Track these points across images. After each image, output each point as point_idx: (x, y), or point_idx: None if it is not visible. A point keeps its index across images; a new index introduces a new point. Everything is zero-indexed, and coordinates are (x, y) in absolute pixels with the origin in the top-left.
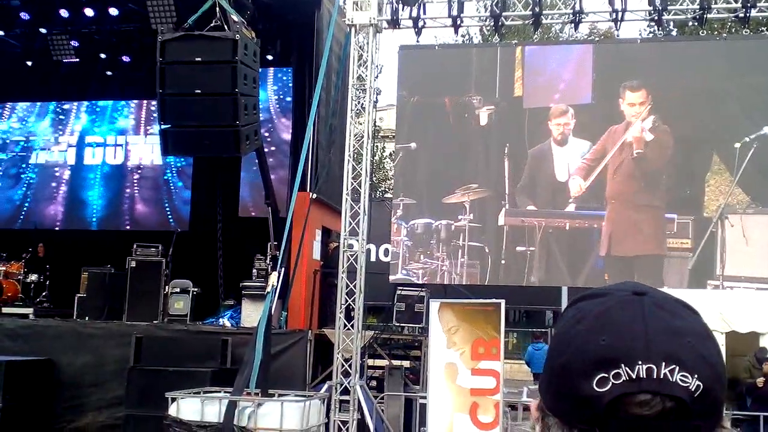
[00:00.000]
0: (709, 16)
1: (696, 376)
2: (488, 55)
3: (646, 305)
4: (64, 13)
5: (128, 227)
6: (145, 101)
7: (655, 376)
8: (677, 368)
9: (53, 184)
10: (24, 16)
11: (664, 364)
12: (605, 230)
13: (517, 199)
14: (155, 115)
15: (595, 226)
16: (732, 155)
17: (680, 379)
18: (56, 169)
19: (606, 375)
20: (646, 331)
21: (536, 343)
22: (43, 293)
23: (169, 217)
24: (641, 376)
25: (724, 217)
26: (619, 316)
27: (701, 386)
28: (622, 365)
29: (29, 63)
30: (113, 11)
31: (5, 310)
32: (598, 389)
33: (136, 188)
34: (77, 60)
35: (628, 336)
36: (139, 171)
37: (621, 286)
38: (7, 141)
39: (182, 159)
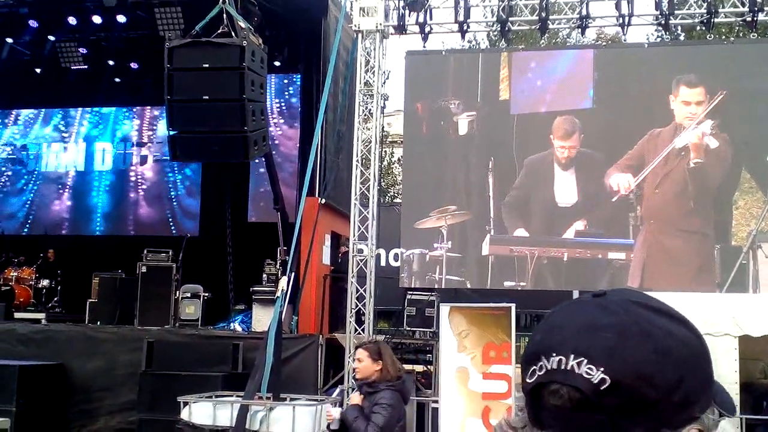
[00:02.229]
0: (716, 20)
1: (602, 369)
2: (470, 55)
3: (589, 305)
4: (72, 20)
5: (132, 233)
6: (151, 108)
7: (563, 368)
8: (585, 361)
9: (58, 191)
10: (32, 23)
11: (572, 356)
12: (637, 258)
13: (504, 219)
14: (162, 121)
15: (600, 257)
16: (764, 171)
17: (585, 372)
18: (61, 175)
19: (535, 368)
20: (568, 327)
21: None
22: (55, 298)
23: (171, 224)
24: (553, 367)
25: (757, 245)
26: (558, 317)
27: (608, 380)
28: (543, 358)
29: (38, 70)
30: (121, 18)
31: (18, 315)
32: (528, 381)
33: (140, 194)
34: (86, 67)
35: (554, 332)
36: (144, 177)
37: (595, 291)
38: (13, 147)
39: (180, 165)
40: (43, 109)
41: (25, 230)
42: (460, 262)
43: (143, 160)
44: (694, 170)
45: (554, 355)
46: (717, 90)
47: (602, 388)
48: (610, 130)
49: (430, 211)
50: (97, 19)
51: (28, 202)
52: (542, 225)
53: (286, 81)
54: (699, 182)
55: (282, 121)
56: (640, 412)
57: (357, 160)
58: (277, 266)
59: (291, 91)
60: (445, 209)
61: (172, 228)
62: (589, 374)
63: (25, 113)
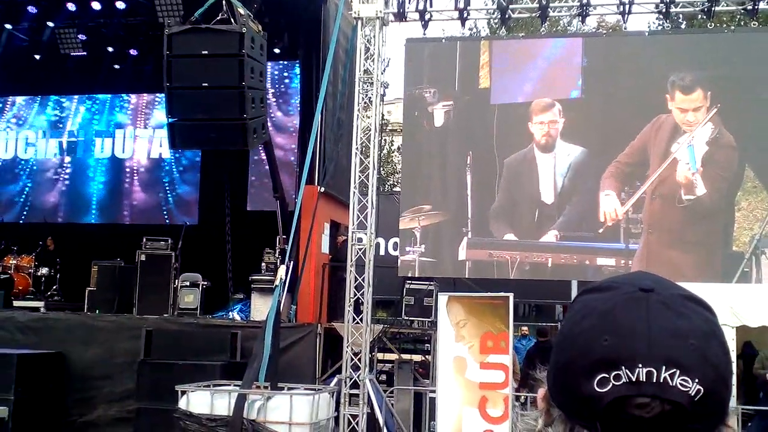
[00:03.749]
0: (717, 8)
1: (697, 380)
2: (448, 40)
3: (651, 304)
4: (71, 6)
5: (127, 221)
6: (150, 94)
7: (654, 380)
8: (678, 372)
9: (54, 178)
10: (31, 9)
11: (664, 368)
12: (635, 269)
13: (491, 228)
14: (158, 107)
15: (587, 263)
16: None
17: (680, 384)
18: (57, 162)
19: (607, 376)
20: (648, 333)
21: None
22: (54, 287)
23: (166, 212)
24: (641, 379)
25: (760, 251)
26: (623, 316)
27: (702, 390)
28: (623, 367)
29: (37, 57)
30: (120, 5)
31: (17, 303)
32: (598, 389)
33: (136, 182)
34: (85, 54)
35: (631, 337)
36: (140, 165)
37: (629, 279)
38: (11, 134)
39: (177, 153)
40: (41, 96)
41: (23, 218)
42: (435, 267)
43: (140, 147)
44: (687, 207)
45: (640, 366)
46: (716, 85)
47: (697, 398)
48: (600, 121)
49: (403, 211)
50: (96, 5)
51: (25, 190)
52: (531, 226)
53: (285, 71)
54: (695, 207)
55: (279, 110)
56: (719, 414)
57: (356, 149)
58: (276, 255)
59: (288, 74)
60: (419, 209)
61: (165, 217)
62: (685, 386)
63: (23, 100)
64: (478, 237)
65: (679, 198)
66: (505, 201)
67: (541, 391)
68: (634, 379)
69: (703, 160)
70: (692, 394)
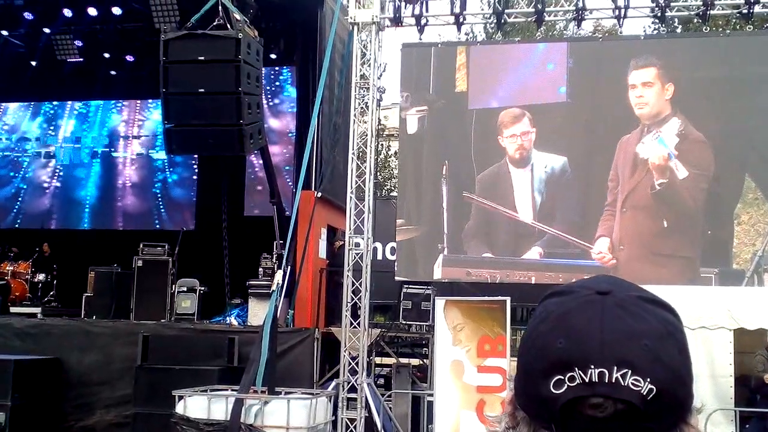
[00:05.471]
0: (712, 12)
1: (649, 379)
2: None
3: (606, 306)
4: (67, 12)
5: (120, 226)
6: (146, 100)
7: (606, 381)
8: (629, 372)
9: (48, 184)
10: (28, 15)
11: (616, 368)
12: None
13: (466, 248)
14: (151, 113)
15: (573, 281)
16: None
17: (632, 383)
18: (51, 167)
19: (562, 377)
20: (601, 335)
21: None
22: (51, 293)
23: (160, 217)
24: (594, 380)
25: (762, 269)
26: (577, 319)
27: (654, 389)
28: (577, 369)
29: (33, 63)
30: (116, 11)
31: (13, 309)
32: (554, 391)
33: (130, 187)
34: (81, 60)
35: (584, 339)
36: (135, 170)
37: (589, 283)
38: (2, 140)
39: (171, 158)
40: (35, 102)
41: (17, 224)
42: None
43: (135, 153)
44: (660, 193)
45: (593, 367)
46: (677, 76)
47: (650, 397)
48: (584, 127)
49: (400, 216)
50: (92, 12)
51: (19, 195)
52: (508, 247)
53: (281, 76)
54: (669, 202)
55: (275, 115)
56: (675, 413)
57: (353, 153)
58: (274, 260)
59: (280, 83)
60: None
61: (157, 223)
62: (637, 386)
63: (17, 106)
64: (455, 254)
65: (653, 185)
66: (481, 220)
67: (508, 394)
68: (587, 380)
69: (678, 150)
70: (644, 394)
